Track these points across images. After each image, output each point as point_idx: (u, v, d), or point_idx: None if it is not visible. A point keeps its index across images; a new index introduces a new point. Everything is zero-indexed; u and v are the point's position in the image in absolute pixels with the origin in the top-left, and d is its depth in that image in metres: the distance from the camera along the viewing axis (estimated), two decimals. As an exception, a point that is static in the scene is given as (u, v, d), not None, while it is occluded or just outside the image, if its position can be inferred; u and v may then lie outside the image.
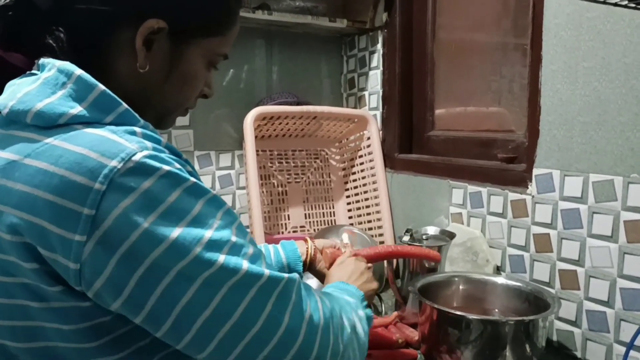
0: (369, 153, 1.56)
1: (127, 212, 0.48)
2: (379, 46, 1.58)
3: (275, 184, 1.61)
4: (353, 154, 1.63)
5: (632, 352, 0.80)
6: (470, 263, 1.18)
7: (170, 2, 0.59)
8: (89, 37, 0.58)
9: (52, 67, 0.55)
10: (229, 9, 0.65)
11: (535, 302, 0.95)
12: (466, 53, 1.41)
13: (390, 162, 1.55)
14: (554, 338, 1.04)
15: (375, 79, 1.62)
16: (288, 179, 1.62)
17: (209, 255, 0.51)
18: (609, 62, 0.91)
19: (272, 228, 1.57)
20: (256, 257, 0.55)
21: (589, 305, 0.97)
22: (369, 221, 1.56)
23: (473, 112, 1.40)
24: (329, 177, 1.68)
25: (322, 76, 1.75)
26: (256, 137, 1.44)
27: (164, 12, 0.59)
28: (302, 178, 1.64)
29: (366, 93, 1.66)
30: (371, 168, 1.55)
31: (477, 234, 1.20)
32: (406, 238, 1.12)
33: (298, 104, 1.54)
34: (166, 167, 0.50)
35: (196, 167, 1.53)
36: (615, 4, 0.65)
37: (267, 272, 0.54)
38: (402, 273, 1.17)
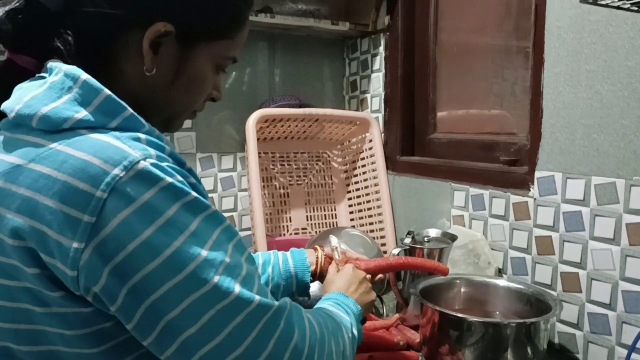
0: (371, 155, 1.56)
1: (126, 222, 0.48)
2: (381, 49, 1.59)
3: (277, 186, 1.61)
4: (355, 156, 1.63)
5: (634, 355, 0.80)
6: (472, 265, 1.18)
7: (178, 5, 0.59)
8: (96, 40, 0.58)
9: (59, 71, 0.55)
10: (236, 13, 0.64)
11: (537, 304, 0.95)
12: (468, 56, 1.42)
13: (392, 165, 1.55)
14: (556, 340, 1.04)
15: (377, 82, 1.62)
16: (290, 181, 1.63)
17: (203, 274, 0.50)
18: (611, 65, 0.91)
19: (273, 230, 1.57)
20: (249, 279, 0.55)
21: (590, 307, 0.96)
22: (371, 223, 1.56)
23: (475, 115, 1.40)
24: (331, 179, 1.68)
25: (325, 79, 1.76)
26: (258, 139, 1.44)
27: (171, 16, 0.59)
28: (304, 180, 1.64)
29: (368, 95, 1.67)
30: (373, 170, 1.55)
31: (478, 236, 1.20)
32: (408, 240, 1.12)
33: (300, 106, 1.54)
34: (168, 179, 0.50)
35: (198, 169, 1.54)
36: (618, 7, 0.65)
37: (257, 298, 0.54)
38: (404, 275, 1.16)
